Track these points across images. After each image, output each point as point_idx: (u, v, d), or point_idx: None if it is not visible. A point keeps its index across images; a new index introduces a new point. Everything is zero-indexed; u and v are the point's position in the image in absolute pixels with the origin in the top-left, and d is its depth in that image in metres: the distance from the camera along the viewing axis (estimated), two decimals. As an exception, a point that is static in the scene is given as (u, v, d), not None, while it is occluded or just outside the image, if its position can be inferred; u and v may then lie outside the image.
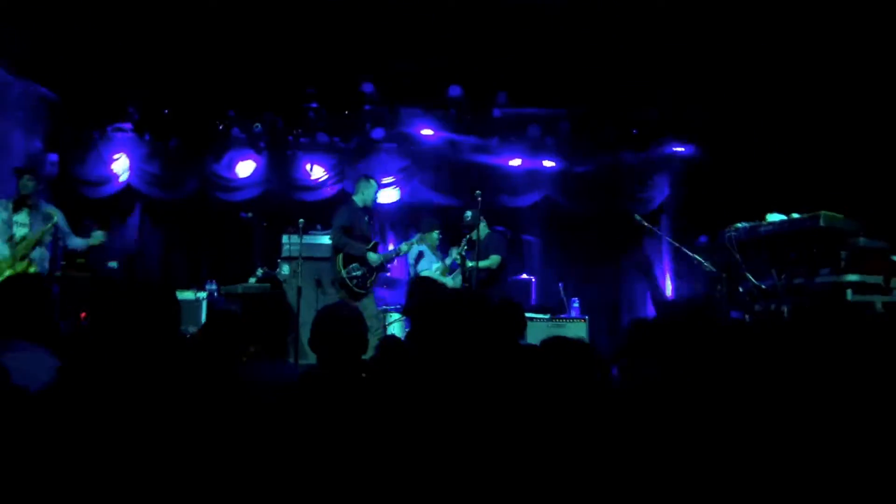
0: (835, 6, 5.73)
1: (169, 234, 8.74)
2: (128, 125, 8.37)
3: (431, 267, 6.89)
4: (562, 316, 7.41)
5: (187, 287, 7.42)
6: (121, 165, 8.47)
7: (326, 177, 8.65)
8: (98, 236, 5.87)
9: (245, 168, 8.63)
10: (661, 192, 8.59)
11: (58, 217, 5.76)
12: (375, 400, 2.05)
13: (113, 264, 6.89)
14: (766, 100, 7.03)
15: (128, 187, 8.46)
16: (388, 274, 7.29)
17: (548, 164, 8.64)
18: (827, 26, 5.98)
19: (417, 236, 6.81)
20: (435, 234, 7.02)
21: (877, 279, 4.82)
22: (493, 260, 6.72)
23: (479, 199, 6.39)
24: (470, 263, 6.53)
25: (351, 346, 2.28)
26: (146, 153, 8.51)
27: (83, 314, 6.04)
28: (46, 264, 5.70)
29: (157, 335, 2.10)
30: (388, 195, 8.59)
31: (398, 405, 2.00)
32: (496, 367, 2.41)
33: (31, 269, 5.67)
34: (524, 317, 3.76)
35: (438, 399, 2.06)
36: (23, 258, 5.56)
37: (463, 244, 6.54)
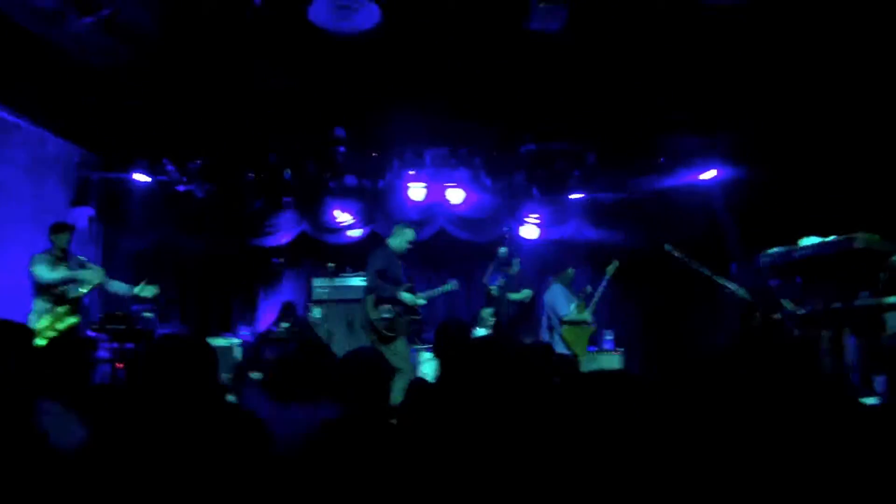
0: (855, 26, 5.68)
1: (204, 282, 8.88)
2: (163, 177, 8.58)
3: (570, 306, 6.93)
4: (593, 349, 7.34)
5: (220, 334, 7.52)
6: (157, 217, 8.66)
7: (354, 220, 8.74)
8: (149, 290, 5.99)
9: (277, 215, 8.75)
10: (691, 220, 8.50)
11: (102, 271, 5.91)
12: (402, 446, 2.05)
13: (149, 314, 7.02)
14: (791, 124, 6.95)
15: (164, 238, 8.64)
16: (420, 317, 7.27)
17: (575, 196, 8.64)
18: (845, 42, 5.92)
19: (450, 283, 6.72)
20: (570, 272, 7.14)
21: (918, 301, 4.68)
22: (524, 294, 6.74)
23: (509, 235, 6.44)
24: (495, 291, 6.56)
25: (371, 392, 2.28)
26: (181, 203, 8.69)
27: (119, 364, 6.15)
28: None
29: (194, 388, 2.13)
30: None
31: (426, 450, 1.98)
32: (527, 408, 2.39)
33: (74, 319, 5.82)
34: (554, 356, 3.75)
35: (468, 444, 2.04)
36: (72, 313, 5.73)
37: (501, 279, 6.58)
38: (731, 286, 6.35)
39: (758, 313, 6.23)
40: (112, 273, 6.19)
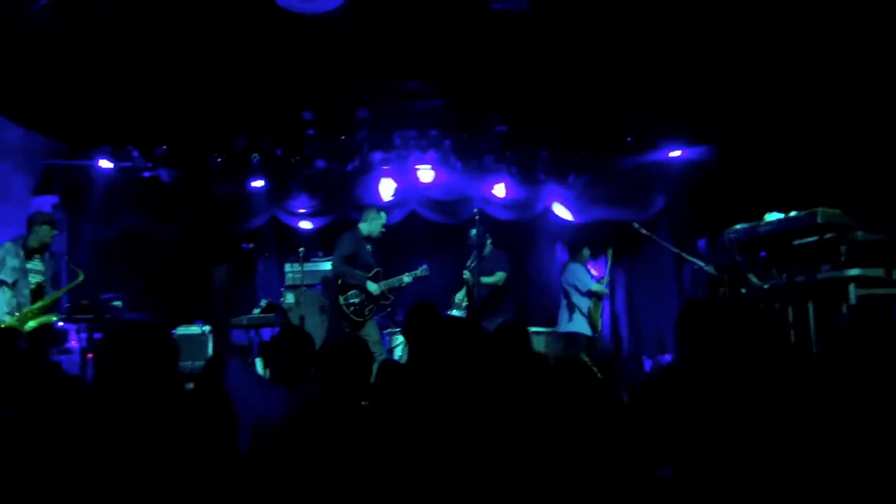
0: (825, 5, 5.75)
1: (173, 268, 8.77)
2: (127, 163, 8.43)
3: (590, 280, 7.14)
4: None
5: (193, 321, 7.45)
6: (123, 204, 8.51)
7: (324, 204, 8.67)
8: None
9: (246, 199, 8.66)
10: (658, 198, 8.59)
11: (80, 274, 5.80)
12: (374, 426, 2.06)
13: (117, 303, 6.92)
14: (755, 101, 7.04)
15: (131, 225, 8.50)
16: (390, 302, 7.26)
17: (544, 178, 8.66)
18: (814, 25, 6.00)
19: (421, 269, 6.73)
20: (586, 253, 7.29)
21: (877, 272, 4.80)
22: (498, 277, 6.79)
23: (478, 217, 6.46)
24: (466, 274, 6.61)
25: (355, 379, 2.29)
26: (147, 190, 8.55)
27: (90, 354, 6.08)
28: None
29: (153, 376, 2.12)
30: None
31: (397, 430, 2.00)
32: (498, 387, 2.41)
33: (55, 318, 5.74)
34: (528, 337, 3.78)
35: (439, 423, 2.06)
36: (49, 310, 5.61)
37: (472, 262, 6.61)
38: (699, 262, 6.46)
39: (724, 288, 6.36)
40: (78, 262, 6.10)
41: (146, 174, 8.39)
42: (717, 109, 7.43)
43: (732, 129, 7.39)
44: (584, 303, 7.05)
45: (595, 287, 7.07)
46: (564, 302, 7.21)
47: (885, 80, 5.95)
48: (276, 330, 7.02)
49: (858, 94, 6.22)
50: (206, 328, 7.27)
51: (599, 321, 7.11)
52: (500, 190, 8.59)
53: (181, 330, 7.31)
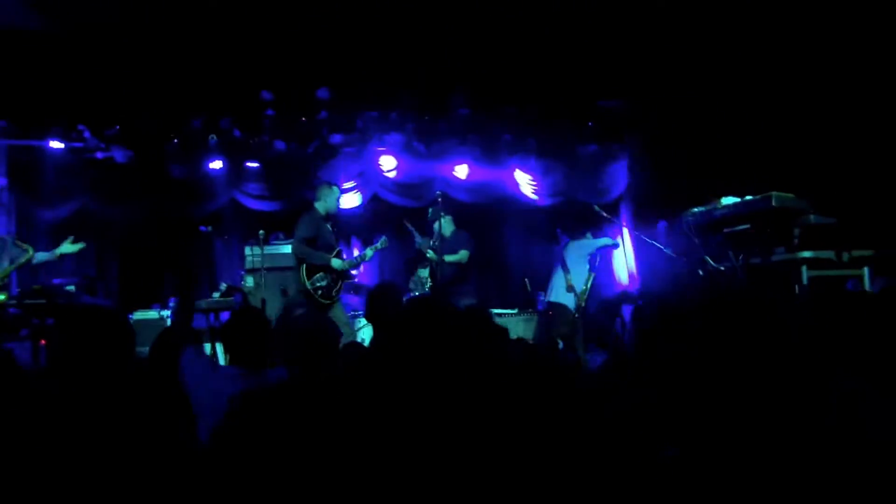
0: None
1: (128, 252, 8.58)
2: (79, 144, 8.18)
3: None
4: (529, 310, 7.50)
5: (150, 306, 7.31)
6: (75, 185, 8.27)
7: (283, 186, 8.55)
8: (72, 247, 5.74)
9: (203, 180, 8.48)
10: (619, 181, 8.71)
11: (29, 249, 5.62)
12: (338, 408, 2.05)
13: (70, 288, 6.73)
14: (713, 87, 7.16)
15: (84, 207, 8.27)
16: (355, 280, 7.27)
17: (506, 161, 8.69)
18: (767, 12, 6.11)
19: (382, 240, 6.75)
20: (589, 236, 7.23)
21: (829, 254, 4.96)
22: (461, 255, 6.82)
23: (440, 199, 6.46)
24: (430, 253, 6.63)
25: (318, 356, 2.27)
26: (100, 171, 8.31)
27: (42, 341, 5.91)
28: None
29: (110, 362, 2.07)
30: (349, 200, 8.55)
31: (361, 413, 1.99)
32: (461, 372, 2.42)
33: (2, 297, 5.56)
34: (491, 322, 3.80)
35: (402, 406, 2.06)
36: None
37: (434, 241, 6.62)
38: (657, 245, 6.57)
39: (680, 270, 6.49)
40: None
41: (99, 155, 8.15)
42: (675, 95, 7.54)
43: (692, 115, 7.50)
44: (579, 281, 7.11)
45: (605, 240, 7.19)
46: (560, 274, 7.22)
47: (839, 71, 6.09)
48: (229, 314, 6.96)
49: (813, 83, 6.37)
50: (165, 312, 7.13)
51: (584, 301, 7.15)
52: (462, 172, 8.59)
53: (138, 315, 7.17)
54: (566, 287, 7.05)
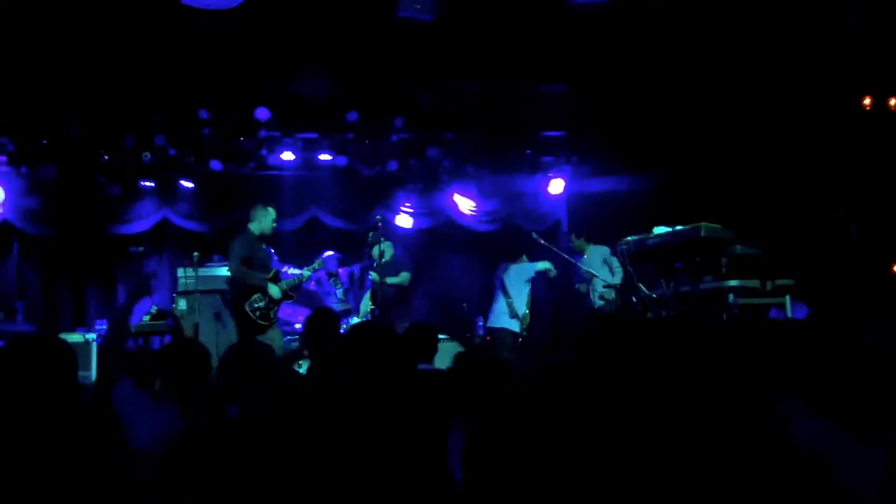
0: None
1: (52, 271, 8.20)
2: (2, 157, 7.81)
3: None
4: (467, 335, 7.54)
5: (74, 329, 7.01)
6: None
7: (220, 207, 8.36)
8: None
9: (134, 200, 8.20)
10: (555, 209, 8.89)
11: None
12: (281, 438, 2.01)
13: (-10, 309, 6.41)
14: (653, 118, 7.43)
15: (4, 223, 7.88)
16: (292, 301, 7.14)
17: (446, 186, 8.77)
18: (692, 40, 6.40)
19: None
20: (524, 258, 7.30)
21: (754, 283, 5.19)
22: (402, 277, 6.84)
23: (380, 223, 6.49)
24: (373, 275, 6.63)
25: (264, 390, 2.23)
26: (23, 186, 7.93)
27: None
28: None
29: (50, 391, 1.97)
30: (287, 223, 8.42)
31: (298, 449, 1.94)
32: (398, 395, 2.41)
33: None
34: (436, 339, 3.82)
35: (339, 434, 2.03)
36: None
37: (376, 264, 6.62)
38: (592, 272, 6.75)
39: (615, 297, 6.68)
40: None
41: (23, 169, 7.79)
42: (612, 125, 7.79)
43: (628, 144, 7.76)
44: (521, 305, 7.16)
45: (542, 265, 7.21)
46: (501, 299, 7.26)
47: (772, 106, 6.40)
48: (168, 339, 6.74)
49: (742, 117, 6.69)
50: (90, 335, 6.84)
51: (527, 322, 7.23)
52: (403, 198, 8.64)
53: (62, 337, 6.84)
54: (509, 313, 7.13)
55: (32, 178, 7.88)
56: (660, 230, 5.67)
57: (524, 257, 7.38)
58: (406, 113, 8.17)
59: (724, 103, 6.78)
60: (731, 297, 5.10)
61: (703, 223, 5.21)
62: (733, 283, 5.12)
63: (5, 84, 6.71)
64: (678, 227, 5.49)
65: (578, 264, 6.81)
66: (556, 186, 8.69)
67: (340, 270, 7.50)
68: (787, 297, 5.30)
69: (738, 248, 5.24)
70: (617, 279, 6.83)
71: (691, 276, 5.48)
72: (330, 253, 6.96)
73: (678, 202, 6.67)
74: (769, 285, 5.24)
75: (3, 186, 7.82)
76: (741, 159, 6.71)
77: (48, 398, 1.82)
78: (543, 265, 7.14)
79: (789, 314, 5.27)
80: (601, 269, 6.94)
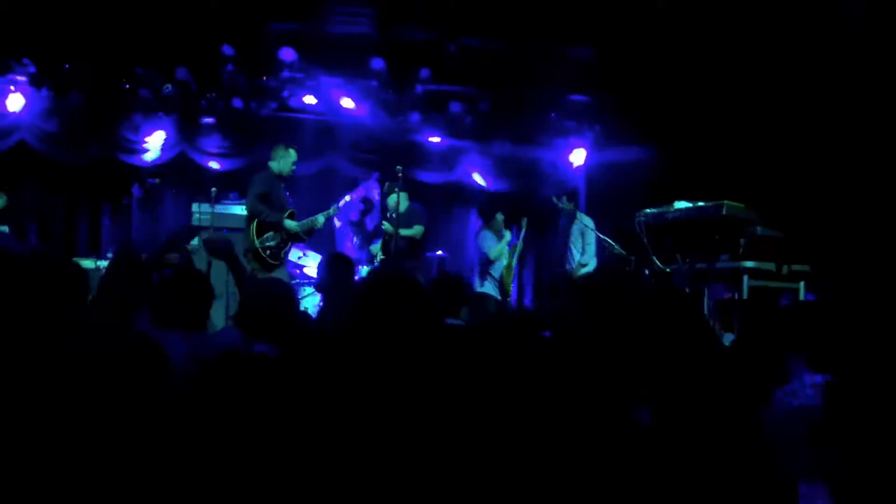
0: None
1: (68, 197, 8.23)
2: (22, 78, 7.76)
3: (495, 246, 7.20)
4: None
5: (88, 255, 7.04)
6: (14, 120, 7.84)
7: (238, 145, 8.34)
8: None
9: (153, 131, 8.18)
10: (574, 177, 8.82)
11: None
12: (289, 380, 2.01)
13: (3, 228, 6.43)
14: (679, 92, 7.30)
15: (22, 144, 7.87)
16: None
17: (466, 143, 8.71)
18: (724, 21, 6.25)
19: (334, 207, 6.67)
20: (499, 218, 7.35)
21: (770, 266, 5.16)
22: (416, 230, 6.84)
23: (400, 174, 6.44)
24: (386, 226, 6.63)
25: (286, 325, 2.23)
26: (43, 109, 7.90)
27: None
28: None
29: (59, 310, 1.98)
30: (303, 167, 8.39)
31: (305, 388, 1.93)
32: (420, 347, 2.40)
33: None
34: (464, 292, 3.82)
35: (351, 382, 2.02)
36: None
37: (390, 214, 6.62)
38: (608, 241, 6.71)
39: (629, 267, 6.65)
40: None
41: (44, 91, 7.74)
42: (639, 95, 7.66)
43: (654, 116, 7.64)
44: (496, 268, 7.21)
45: (493, 254, 7.22)
46: (478, 267, 7.36)
47: (806, 86, 6.25)
48: (167, 272, 6.76)
49: (778, 98, 6.54)
50: (102, 263, 6.88)
51: (510, 287, 7.34)
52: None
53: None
54: (481, 282, 7.21)
55: (53, 101, 7.84)
56: (680, 204, 5.61)
57: (498, 218, 7.39)
58: (432, 65, 8.07)
59: (759, 78, 6.63)
60: (745, 278, 5.07)
61: (725, 201, 5.15)
62: (749, 264, 5.09)
63: (31, 4, 6.62)
64: (700, 203, 5.43)
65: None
66: (578, 157, 8.64)
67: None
68: (802, 284, 5.28)
69: (759, 229, 5.20)
70: (586, 259, 6.89)
71: (709, 254, 5.44)
72: (348, 199, 6.88)
73: (701, 177, 6.57)
74: (785, 269, 5.21)
75: (21, 107, 7.77)
76: (771, 137, 6.58)
77: (60, 314, 1.82)
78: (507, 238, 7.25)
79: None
80: (576, 241, 7.00)
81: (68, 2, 6.71)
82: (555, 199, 6.90)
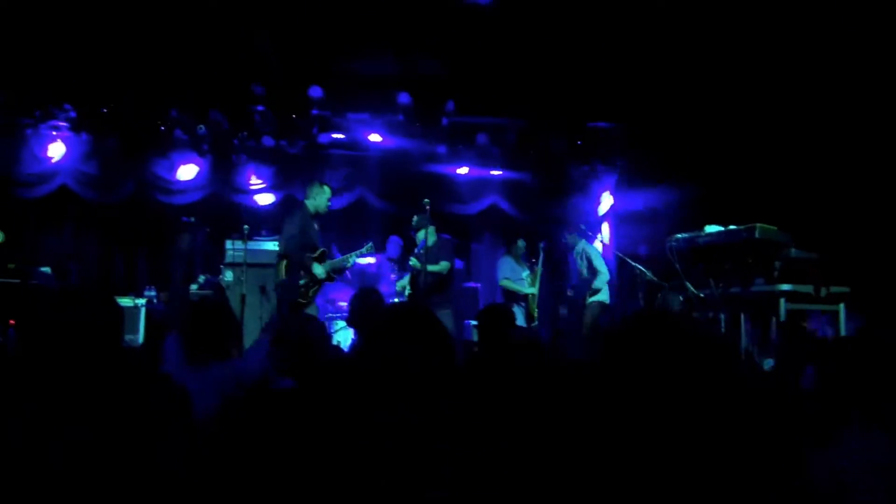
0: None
1: (106, 238, 8.45)
2: (63, 123, 8.05)
3: (520, 276, 7.37)
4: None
5: (125, 293, 7.19)
6: (56, 166, 8.12)
7: (269, 183, 8.50)
8: None
9: (188, 171, 8.40)
10: (604, 202, 8.80)
11: None
12: (318, 413, 2.02)
13: (46, 269, 6.60)
14: (705, 114, 7.26)
15: (63, 188, 8.13)
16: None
17: (495, 173, 8.75)
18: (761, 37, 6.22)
19: (368, 245, 6.72)
20: (521, 244, 7.53)
21: (808, 288, 5.04)
22: (442, 266, 6.80)
23: (428, 207, 6.44)
24: (413, 261, 6.63)
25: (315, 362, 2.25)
26: (83, 153, 8.18)
27: (11, 321, 5.78)
28: None
29: (97, 345, 2.01)
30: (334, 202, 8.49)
31: (342, 421, 1.94)
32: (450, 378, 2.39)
33: None
34: (510, 322, 3.84)
35: (387, 416, 2.02)
36: None
37: (419, 249, 6.60)
38: (640, 267, 6.64)
39: (661, 294, 6.56)
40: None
41: (83, 136, 8.02)
42: (666, 120, 7.64)
43: (681, 141, 7.60)
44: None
45: (503, 282, 7.36)
46: (502, 292, 7.49)
47: (833, 107, 6.18)
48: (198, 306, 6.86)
49: (807, 119, 6.47)
50: (140, 301, 7.02)
51: (535, 311, 7.34)
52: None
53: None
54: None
55: (92, 144, 8.11)
56: (711, 229, 5.54)
57: (519, 244, 7.52)
58: (457, 98, 8.15)
59: (782, 97, 6.57)
60: (782, 301, 4.96)
61: (758, 224, 5.07)
62: (785, 287, 4.98)
63: (71, 51, 6.88)
64: (731, 227, 5.36)
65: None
66: (605, 203, 8.76)
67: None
68: (842, 306, 5.14)
69: (793, 251, 5.10)
70: (593, 278, 7.08)
71: (742, 278, 5.34)
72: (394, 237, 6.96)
73: (732, 201, 6.49)
74: (823, 291, 5.09)
75: (62, 152, 8.05)
76: (802, 158, 6.50)
77: (95, 347, 1.85)
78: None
79: (842, 322, 5.12)
80: (581, 262, 7.25)
81: (106, 48, 6.94)
82: (566, 237, 7.09)
